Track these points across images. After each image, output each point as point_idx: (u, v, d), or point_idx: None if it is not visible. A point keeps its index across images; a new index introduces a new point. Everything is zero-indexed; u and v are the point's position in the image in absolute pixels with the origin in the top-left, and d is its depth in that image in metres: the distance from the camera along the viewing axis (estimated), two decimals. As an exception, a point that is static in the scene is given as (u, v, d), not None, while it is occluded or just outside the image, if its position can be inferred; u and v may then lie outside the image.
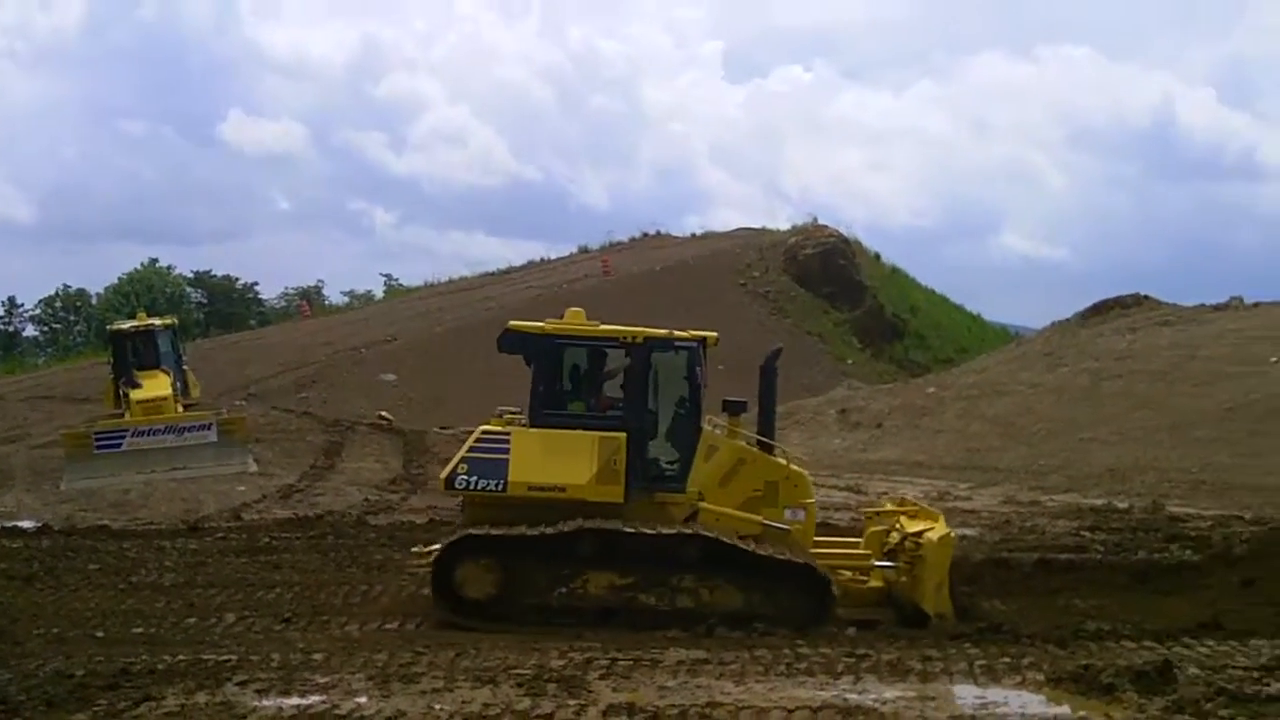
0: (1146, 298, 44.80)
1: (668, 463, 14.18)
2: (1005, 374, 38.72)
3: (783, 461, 14.44)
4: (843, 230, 66.42)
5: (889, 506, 15.90)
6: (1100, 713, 10.27)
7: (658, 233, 73.96)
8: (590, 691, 10.68)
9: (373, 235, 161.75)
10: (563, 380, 14.33)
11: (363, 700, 10.42)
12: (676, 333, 14.26)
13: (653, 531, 13.31)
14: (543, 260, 71.78)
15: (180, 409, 27.24)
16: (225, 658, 11.79)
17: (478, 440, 13.80)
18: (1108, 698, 10.61)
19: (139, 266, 79.78)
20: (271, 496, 23.49)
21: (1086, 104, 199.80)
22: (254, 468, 26.42)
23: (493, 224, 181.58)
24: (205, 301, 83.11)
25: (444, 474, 13.88)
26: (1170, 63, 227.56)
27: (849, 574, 14.47)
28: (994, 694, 10.91)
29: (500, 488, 13.55)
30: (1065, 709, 10.36)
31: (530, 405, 14.08)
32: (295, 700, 10.45)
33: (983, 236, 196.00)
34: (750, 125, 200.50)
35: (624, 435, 13.69)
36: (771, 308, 57.32)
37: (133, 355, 28.95)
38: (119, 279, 78.30)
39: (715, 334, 14.66)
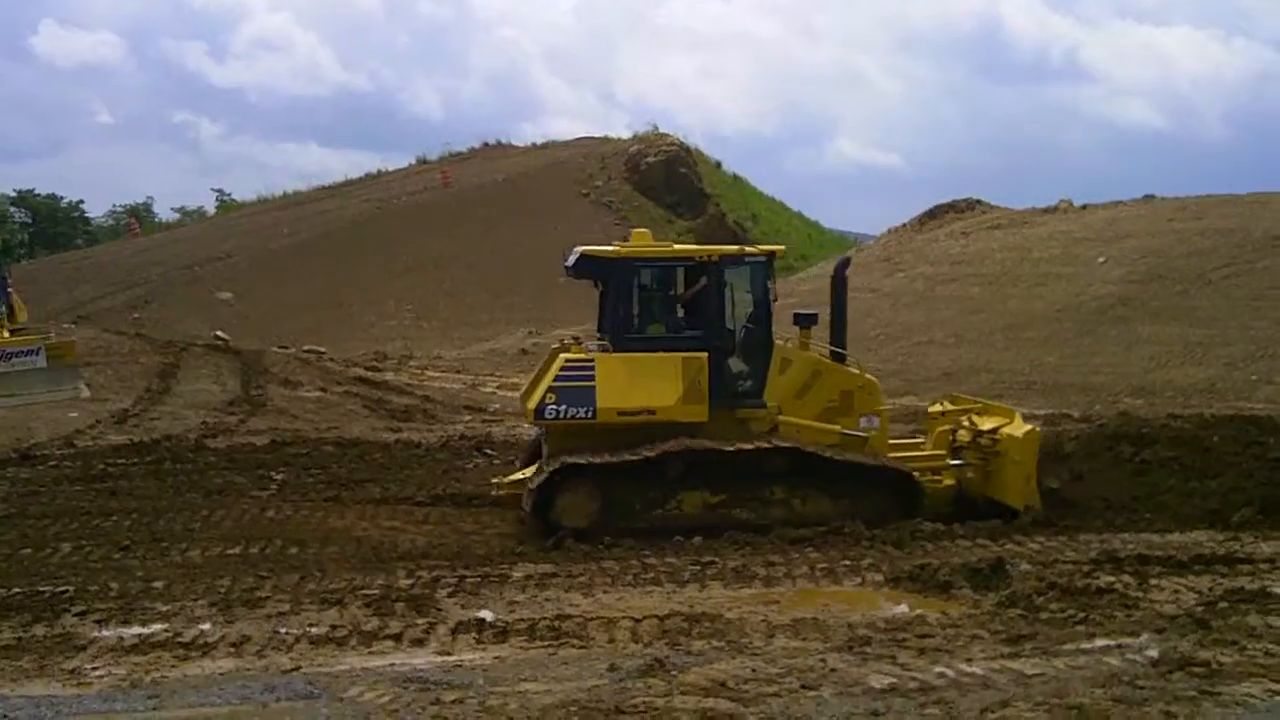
0: (979, 202, 45.82)
1: (744, 378, 14.35)
2: (844, 280, 39.23)
3: (856, 371, 14.83)
4: (683, 138, 66.53)
5: (948, 405, 16.24)
6: (937, 609, 10.59)
7: (498, 143, 72.96)
8: (439, 609, 10.68)
9: (200, 148, 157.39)
10: (638, 302, 14.32)
11: (206, 627, 10.25)
12: (747, 248, 14.57)
13: (751, 447, 13.59)
14: (380, 172, 70.34)
15: (6, 334, 26.28)
16: (62, 588, 11.47)
17: (563, 368, 13.75)
18: (944, 595, 11.02)
19: (-43, 188, 76.27)
20: (106, 422, 22.79)
21: (913, 9, 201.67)
22: (86, 393, 25.62)
23: (324, 135, 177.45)
24: (29, 221, 79.54)
25: (532, 405, 13.83)
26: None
27: (921, 474, 14.70)
28: (835, 595, 11.20)
29: (590, 414, 13.60)
30: (904, 607, 10.66)
31: (610, 329, 14.16)
32: (136, 629, 10.24)
33: (818, 143, 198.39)
34: (582, 30, 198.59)
35: (706, 354, 13.77)
36: (615, 217, 57.05)
37: (-46, 280, 27.77)
38: (-63, 201, 74.87)
39: (783, 246, 15.03)
